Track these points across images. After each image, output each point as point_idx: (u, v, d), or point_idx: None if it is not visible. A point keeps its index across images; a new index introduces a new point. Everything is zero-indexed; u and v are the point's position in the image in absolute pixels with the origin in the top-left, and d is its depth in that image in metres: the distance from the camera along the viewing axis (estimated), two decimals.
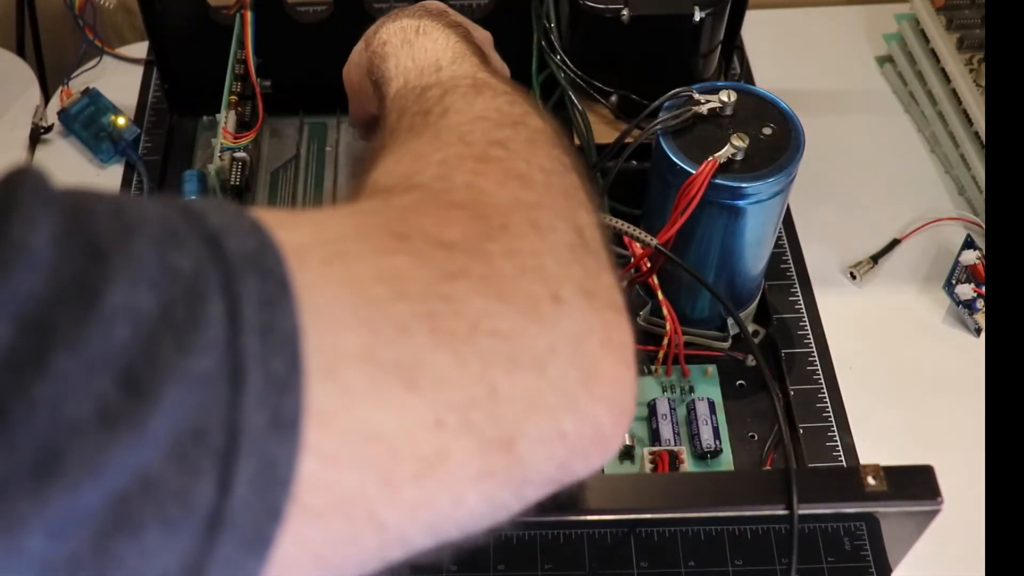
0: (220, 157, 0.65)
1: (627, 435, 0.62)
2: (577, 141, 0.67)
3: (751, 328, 0.68)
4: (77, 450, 0.19)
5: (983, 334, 0.68)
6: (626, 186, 0.66)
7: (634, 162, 0.64)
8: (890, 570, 0.53)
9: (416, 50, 0.45)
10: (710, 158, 0.56)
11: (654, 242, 0.58)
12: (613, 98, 0.67)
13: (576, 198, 0.33)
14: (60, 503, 0.19)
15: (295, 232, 0.24)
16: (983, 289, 0.68)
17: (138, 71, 0.84)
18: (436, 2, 0.56)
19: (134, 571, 0.20)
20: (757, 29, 0.80)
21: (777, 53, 0.86)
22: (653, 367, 0.64)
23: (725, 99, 0.57)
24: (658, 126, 0.58)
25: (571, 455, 0.28)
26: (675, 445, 0.61)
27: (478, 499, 0.26)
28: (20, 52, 0.90)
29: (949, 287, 0.70)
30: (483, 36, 0.56)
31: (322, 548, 0.23)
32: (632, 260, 0.63)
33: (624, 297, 0.32)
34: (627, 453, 0.62)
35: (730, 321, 0.66)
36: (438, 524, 0.26)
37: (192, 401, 0.20)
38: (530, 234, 0.29)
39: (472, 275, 0.27)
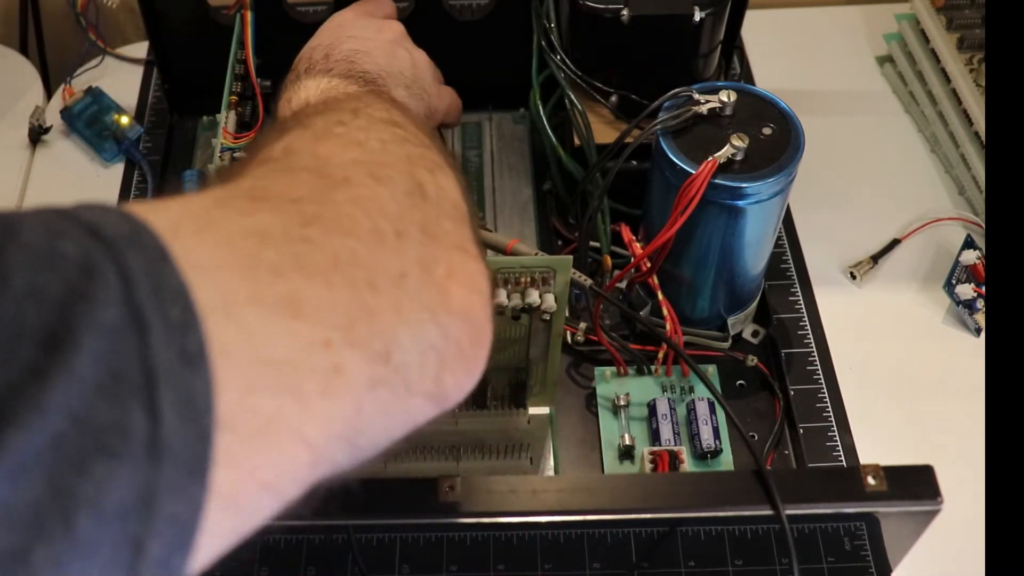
0: (220, 157, 0.65)
1: (627, 435, 0.62)
2: (577, 141, 0.67)
3: (751, 328, 0.68)
4: (19, 400, 0.21)
5: (983, 334, 0.68)
6: (626, 186, 0.66)
7: (634, 162, 0.64)
8: (890, 570, 0.53)
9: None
10: (710, 158, 0.56)
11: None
12: (613, 98, 0.67)
13: (418, 162, 0.37)
14: (17, 447, 0.21)
15: (164, 213, 0.27)
16: (983, 289, 0.68)
17: (139, 71, 0.85)
18: (338, 34, 0.56)
19: (94, 506, 0.21)
20: (757, 29, 0.80)
21: (777, 53, 0.86)
22: (653, 367, 0.65)
23: (725, 99, 0.57)
24: (658, 126, 0.58)
25: (441, 369, 0.32)
26: (675, 445, 0.61)
27: (374, 408, 0.30)
28: (23, 51, 0.90)
29: (949, 287, 0.70)
30: (415, 70, 0.57)
31: (264, 473, 0.25)
32: (632, 260, 0.63)
33: (480, 250, 0.36)
34: (627, 453, 0.62)
35: (730, 321, 0.66)
36: (350, 436, 0.29)
37: (107, 348, 0.23)
38: (369, 182, 0.34)
39: (324, 219, 0.31)
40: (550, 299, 0.54)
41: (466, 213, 0.37)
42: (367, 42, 0.56)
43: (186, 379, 0.24)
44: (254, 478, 0.25)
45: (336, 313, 0.29)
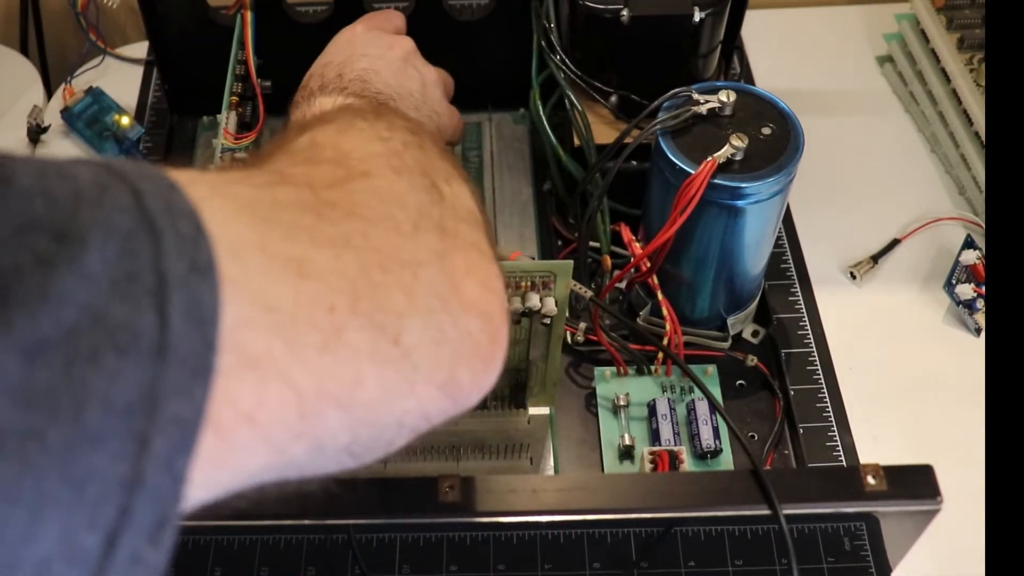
0: (221, 158, 0.65)
1: (627, 435, 0.62)
2: (577, 141, 0.67)
3: (751, 328, 0.68)
4: (24, 284, 0.22)
5: (983, 334, 0.68)
6: (626, 186, 0.66)
7: (634, 162, 0.64)
8: (890, 570, 0.53)
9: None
10: (709, 158, 0.56)
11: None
12: (613, 98, 0.67)
13: (435, 170, 0.37)
14: (23, 327, 0.21)
15: (180, 172, 0.27)
16: (983, 289, 0.68)
17: (139, 71, 0.85)
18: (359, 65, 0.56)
19: (104, 399, 0.22)
20: (757, 29, 0.80)
21: (777, 53, 0.86)
22: (653, 367, 0.65)
23: (724, 99, 0.57)
24: (657, 126, 0.58)
25: (455, 362, 0.32)
26: (675, 445, 0.61)
27: (377, 384, 0.29)
28: (23, 51, 0.90)
29: (949, 287, 0.70)
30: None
31: (246, 405, 0.26)
32: (632, 260, 0.63)
33: (496, 255, 0.36)
34: (627, 453, 0.62)
35: (730, 321, 0.66)
36: (347, 405, 0.29)
37: (119, 249, 0.23)
38: (390, 176, 0.34)
39: (341, 205, 0.31)
40: (550, 303, 0.54)
41: (481, 221, 0.37)
42: (378, 60, 0.56)
43: (196, 288, 0.24)
44: (236, 407, 0.25)
45: (343, 282, 0.29)
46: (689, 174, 0.56)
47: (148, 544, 0.23)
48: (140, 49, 0.86)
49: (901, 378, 0.67)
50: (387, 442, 0.32)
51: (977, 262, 0.69)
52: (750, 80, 0.81)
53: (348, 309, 0.28)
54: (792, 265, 0.71)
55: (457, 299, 0.33)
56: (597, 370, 0.66)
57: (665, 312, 0.63)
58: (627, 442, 0.61)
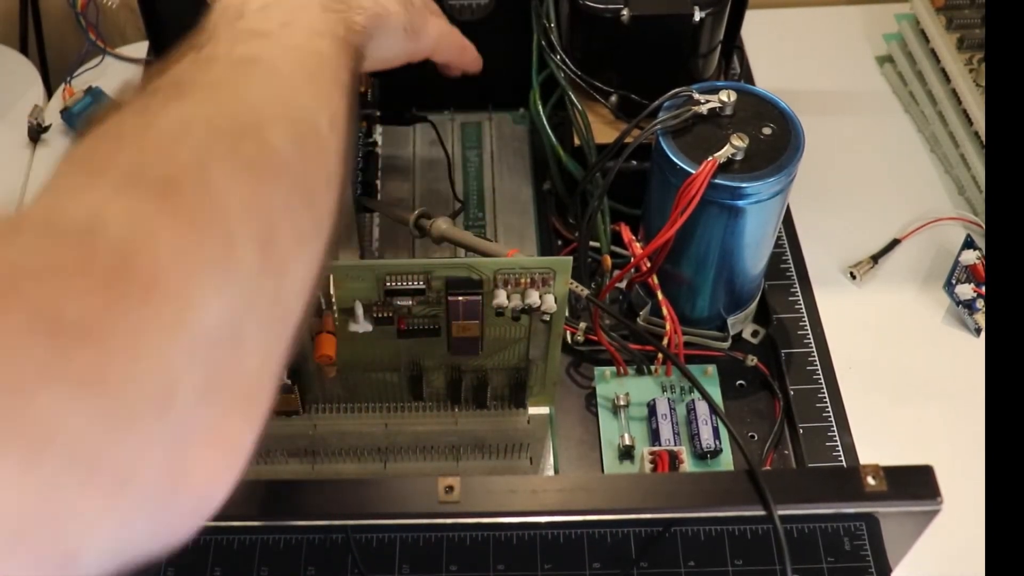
0: None
1: (627, 435, 0.62)
2: (577, 141, 0.67)
3: (751, 328, 0.68)
4: None
5: (983, 334, 0.68)
6: (626, 186, 0.66)
7: (634, 162, 0.64)
8: (890, 570, 0.53)
9: None
10: (710, 158, 0.56)
11: None
12: (613, 98, 0.67)
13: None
14: None
15: None
16: (983, 289, 0.68)
17: (139, 71, 0.85)
18: None
19: None
20: (757, 29, 0.80)
21: (777, 53, 0.86)
22: (653, 367, 0.65)
23: (725, 99, 0.57)
24: (658, 126, 0.58)
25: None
26: (675, 445, 0.61)
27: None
28: (23, 50, 0.90)
29: (949, 287, 0.70)
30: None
31: None
32: (632, 260, 0.63)
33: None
34: (627, 453, 0.62)
35: (730, 321, 0.66)
36: None
37: None
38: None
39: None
40: (550, 300, 0.54)
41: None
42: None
43: None
44: None
45: None
46: (689, 174, 0.56)
47: None
48: (140, 49, 0.86)
49: (901, 378, 0.67)
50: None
51: (977, 262, 0.69)
52: (750, 80, 0.81)
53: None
54: (792, 265, 0.71)
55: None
56: (597, 370, 0.66)
57: (665, 312, 0.63)
58: (627, 442, 0.61)
